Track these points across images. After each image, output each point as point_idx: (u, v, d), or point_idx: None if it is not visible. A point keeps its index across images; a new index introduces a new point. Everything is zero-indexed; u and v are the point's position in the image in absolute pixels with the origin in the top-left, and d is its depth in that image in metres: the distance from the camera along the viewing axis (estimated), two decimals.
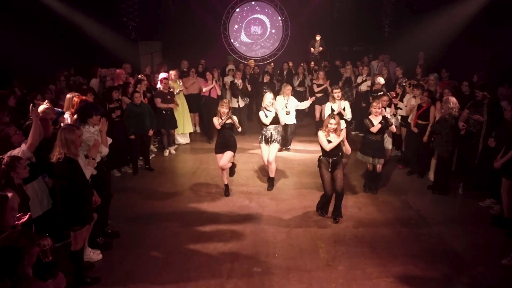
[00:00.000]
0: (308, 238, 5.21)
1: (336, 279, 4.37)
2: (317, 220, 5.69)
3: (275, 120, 6.67)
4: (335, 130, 5.55)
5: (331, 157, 5.59)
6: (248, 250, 4.93)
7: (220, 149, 6.38)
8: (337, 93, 7.53)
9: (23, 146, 4.10)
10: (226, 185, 6.55)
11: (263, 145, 6.73)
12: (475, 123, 6.27)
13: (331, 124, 5.55)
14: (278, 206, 6.12)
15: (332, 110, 7.39)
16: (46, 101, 5.20)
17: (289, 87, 8.11)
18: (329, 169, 5.59)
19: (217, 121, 6.24)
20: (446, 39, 10.41)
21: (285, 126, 8.34)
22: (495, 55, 8.79)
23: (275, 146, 6.66)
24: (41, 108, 4.94)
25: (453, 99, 6.27)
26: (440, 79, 8.57)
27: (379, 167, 6.42)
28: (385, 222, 5.65)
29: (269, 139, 6.64)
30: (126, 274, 4.44)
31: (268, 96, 6.68)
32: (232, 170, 6.56)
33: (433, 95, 7.25)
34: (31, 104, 4.79)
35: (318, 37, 12.81)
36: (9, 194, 3.12)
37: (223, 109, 6.21)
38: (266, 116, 6.64)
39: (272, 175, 6.77)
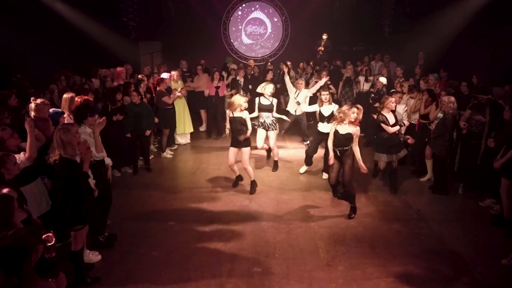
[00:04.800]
0: (308, 238, 5.21)
1: (336, 279, 4.38)
2: (317, 220, 5.69)
3: (268, 108, 7.23)
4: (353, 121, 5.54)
5: (337, 147, 5.67)
6: (248, 250, 4.93)
7: (233, 143, 6.45)
8: (325, 95, 6.88)
9: (22, 156, 4.06)
10: (238, 176, 6.72)
11: (259, 130, 7.30)
12: (477, 123, 6.26)
13: (353, 113, 5.51)
14: (278, 206, 6.12)
15: (322, 115, 6.99)
16: (32, 99, 5.15)
17: (302, 81, 8.34)
18: (336, 157, 5.71)
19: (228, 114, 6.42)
20: (446, 39, 10.42)
21: (297, 121, 8.55)
22: (495, 56, 8.78)
23: (272, 133, 7.30)
24: (32, 105, 4.94)
25: (452, 98, 6.28)
26: (439, 79, 8.57)
27: (395, 163, 6.44)
28: (385, 222, 5.65)
29: (266, 126, 7.24)
30: (126, 274, 4.44)
31: (270, 86, 7.22)
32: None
33: (433, 94, 7.24)
34: (25, 114, 4.76)
35: (324, 36, 12.73)
36: (5, 190, 3.12)
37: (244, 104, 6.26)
38: (260, 103, 7.23)
39: (276, 158, 7.55)
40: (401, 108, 7.17)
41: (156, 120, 7.87)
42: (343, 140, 5.58)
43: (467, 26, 9.99)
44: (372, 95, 8.87)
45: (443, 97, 6.54)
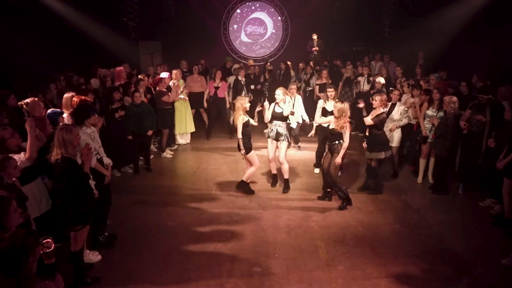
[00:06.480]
0: (308, 238, 5.21)
1: (336, 279, 4.38)
2: (317, 220, 5.69)
3: (281, 117, 6.41)
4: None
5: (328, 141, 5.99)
6: (248, 250, 4.93)
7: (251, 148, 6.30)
8: (330, 92, 6.88)
9: (22, 156, 4.06)
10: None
11: (269, 140, 6.58)
12: (478, 123, 6.26)
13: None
14: (278, 206, 6.12)
15: (325, 110, 6.95)
16: (19, 103, 5.15)
17: (294, 86, 7.99)
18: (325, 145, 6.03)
19: (241, 121, 6.09)
20: (446, 39, 10.42)
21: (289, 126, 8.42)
22: (495, 55, 8.78)
23: (284, 144, 6.42)
24: (28, 100, 4.94)
25: (454, 98, 6.28)
26: (439, 79, 8.56)
27: (373, 162, 6.44)
28: (385, 222, 5.65)
29: (276, 136, 6.43)
30: (126, 274, 4.44)
31: (277, 92, 6.42)
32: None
33: (431, 93, 7.24)
34: (25, 115, 4.76)
35: (314, 36, 12.77)
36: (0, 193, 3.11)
37: (247, 104, 6.19)
38: (274, 111, 6.46)
39: (286, 176, 6.58)
40: (401, 109, 7.13)
41: None
42: (329, 135, 5.98)
43: (467, 26, 9.99)
44: (372, 97, 8.84)
45: (435, 94, 6.63)
